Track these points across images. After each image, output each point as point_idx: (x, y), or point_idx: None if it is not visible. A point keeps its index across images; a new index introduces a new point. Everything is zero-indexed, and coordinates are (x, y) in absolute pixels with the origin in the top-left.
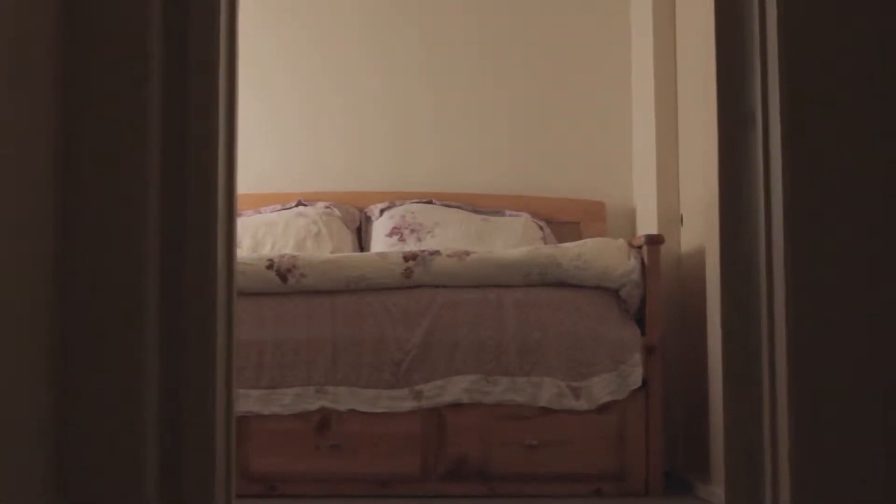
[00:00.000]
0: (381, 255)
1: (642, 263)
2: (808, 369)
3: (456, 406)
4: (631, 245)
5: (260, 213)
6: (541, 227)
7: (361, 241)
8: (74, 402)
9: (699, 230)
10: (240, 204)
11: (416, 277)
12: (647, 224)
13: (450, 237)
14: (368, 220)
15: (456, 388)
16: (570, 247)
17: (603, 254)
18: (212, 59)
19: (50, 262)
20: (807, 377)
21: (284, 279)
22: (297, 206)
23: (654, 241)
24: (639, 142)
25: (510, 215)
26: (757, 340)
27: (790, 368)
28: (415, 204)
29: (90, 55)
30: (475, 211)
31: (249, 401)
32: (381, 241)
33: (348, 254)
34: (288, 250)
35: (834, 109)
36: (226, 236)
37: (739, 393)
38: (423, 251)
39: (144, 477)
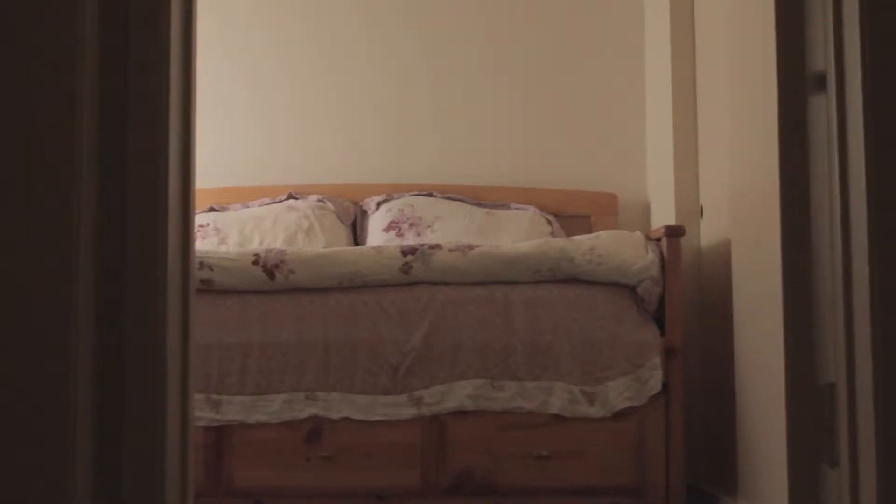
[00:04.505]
0: (377, 249)
1: (661, 258)
2: None
3: (459, 414)
4: (648, 238)
5: (248, 206)
6: (549, 221)
7: (356, 237)
8: None
9: (722, 222)
10: (227, 197)
11: (415, 273)
12: (664, 216)
13: (451, 232)
14: (364, 213)
15: (459, 394)
16: (583, 240)
17: (619, 247)
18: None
19: None
20: None
21: (272, 276)
22: (287, 199)
23: (674, 232)
24: (654, 128)
25: (516, 208)
26: (826, 341)
27: (876, 374)
28: (414, 196)
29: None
30: (478, 204)
31: (233, 408)
32: (377, 235)
33: (341, 248)
34: (277, 246)
35: None
36: (180, 220)
37: (805, 398)
38: (422, 245)
39: (76, 489)
